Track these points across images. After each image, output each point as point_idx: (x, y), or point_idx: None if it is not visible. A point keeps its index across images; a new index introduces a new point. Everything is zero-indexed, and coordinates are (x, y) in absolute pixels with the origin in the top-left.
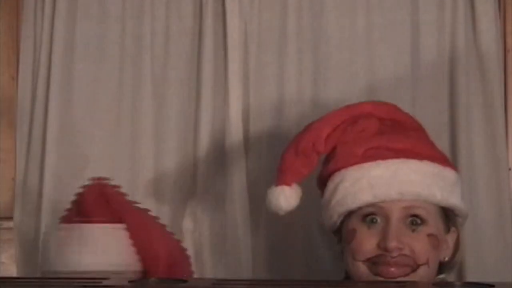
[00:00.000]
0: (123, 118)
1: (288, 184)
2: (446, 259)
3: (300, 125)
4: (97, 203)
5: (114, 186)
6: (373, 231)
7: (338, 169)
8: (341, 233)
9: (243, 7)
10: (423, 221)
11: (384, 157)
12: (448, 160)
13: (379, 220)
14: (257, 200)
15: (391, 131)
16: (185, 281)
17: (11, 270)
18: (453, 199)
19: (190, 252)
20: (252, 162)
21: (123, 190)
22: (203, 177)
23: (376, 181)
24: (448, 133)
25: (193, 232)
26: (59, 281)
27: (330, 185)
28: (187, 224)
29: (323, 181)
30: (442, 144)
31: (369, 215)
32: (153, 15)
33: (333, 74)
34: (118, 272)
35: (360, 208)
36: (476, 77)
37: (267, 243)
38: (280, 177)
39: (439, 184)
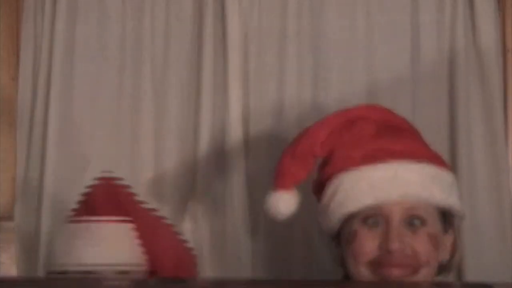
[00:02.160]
0: (123, 118)
1: (287, 188)
2: (444, 261)
3: (300, 125)
4: (106, 201)
5: (123, 185)
6: (374, 233)
7: (337, 173)
8: (340, 236)
9: (243, 7)
10: (423, 222)
11: (383, 159)
12: (444, 161)
13: (380, 221)
14: (257, 200)
15: (388, 133)
16: (185, 281)
17: (11, 270)
18: (451, 200)
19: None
20: (252, 162)
21: (131, 189)
22: (203, 177)
23: (377, 183)
24: (448, 133)
25: (193, 232)
26: (59, 281)
27: (329, 189)
28: (187, 224)
29: (320, 186)
30: (442, 144)
31: (370, 217)
32: (153, 15)
33: (333, 74)
34: (125, 271)
35: (360, 210)
36: (476, 77)
37: (267, 243)
38: (278, 182)
39: (437, 185)
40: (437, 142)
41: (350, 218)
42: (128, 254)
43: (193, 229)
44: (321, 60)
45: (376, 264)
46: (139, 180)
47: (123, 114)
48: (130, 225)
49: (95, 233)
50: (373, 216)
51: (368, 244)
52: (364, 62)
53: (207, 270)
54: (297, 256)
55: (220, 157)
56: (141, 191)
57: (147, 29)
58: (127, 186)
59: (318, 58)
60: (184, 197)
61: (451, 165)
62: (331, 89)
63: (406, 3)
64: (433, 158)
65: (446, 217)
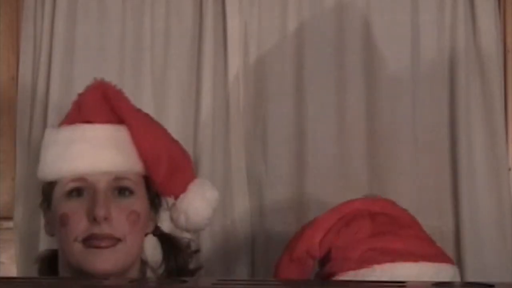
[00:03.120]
0: None
1: None
2: None
3: (300, 125)
4: (99, 105)
5: (116, 89)
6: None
7: (334, 275)
8: None
9: (243, 7)
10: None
11: (380, 261)
12: (444, 255)
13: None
14: (258, 200)
15: (385, 230)
16: (185, 281)
17: (11, 270)
18: None
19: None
20: (252, 162)
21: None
22: (203, 177)
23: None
24: (448, 133)
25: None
26: (59, 282)
27: None
28: None
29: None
30: (442, 144)
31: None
32: (153, 15)
33: (333, 74)
34: (122, 177)
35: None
36: (476, 77)
37: (267, 243)
38: None
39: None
40: (437, 142)
41: None
42: (124, 159)
43: None
44: (321, 60)
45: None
46: None
47: None
48: (123, 127)
49: (88, 135)
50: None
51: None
52: (364, 61)
53: (207, 270)
54: None
55: (220, 156)
56: None
57: (147, 29)
58: (120, 91)
59: (318, 58)
60: None
61: (452, 165)
62: (331, 89)
63: (406, 3)
64: (432, 256)
65: None
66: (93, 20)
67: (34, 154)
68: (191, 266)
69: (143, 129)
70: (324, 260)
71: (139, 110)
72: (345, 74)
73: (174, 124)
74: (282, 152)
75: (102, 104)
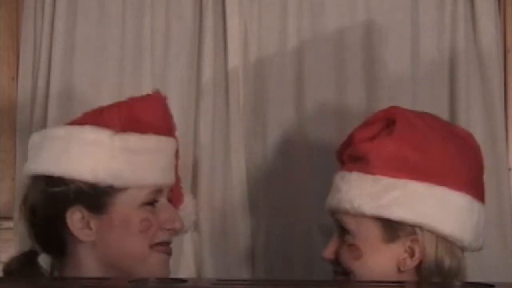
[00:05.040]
0: None
1: None
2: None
3: (300, 125)
4: (164, 116)
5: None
6: None
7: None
8: None
9: (243, 7)
10: None
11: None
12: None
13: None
14: (257, 200)
15: None
16: (185, 281)
17: None
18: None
19: (190, 251)
20: (252, 162)
21: None
22: (203, 177)
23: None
24: None
25: (193, 232)
26: (59, 282)
27: None
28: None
29: None
30: None
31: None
32: (153, 15)
33: (333, 74)
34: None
35: None
36: (476, 77)
37: (267, 243)
38: None
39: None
40: None
41: None
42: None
43: (193, 229)
44: (321, 60)
45: None
46: None
47: None
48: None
49: (166, 150)
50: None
51: None
52: (364, 62)
53: (207, 270)
54: (297, 255)
55: (221, 156)
56: None
57: (147, 29)
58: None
59: (318, 58)
60: None
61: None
62: (331, 89)
63: (406, 3)
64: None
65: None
66: (93, 20)
67: None
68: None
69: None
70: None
71: None
72: (345, 74)
73: None
74: (282, 152)
75: (165, 117)
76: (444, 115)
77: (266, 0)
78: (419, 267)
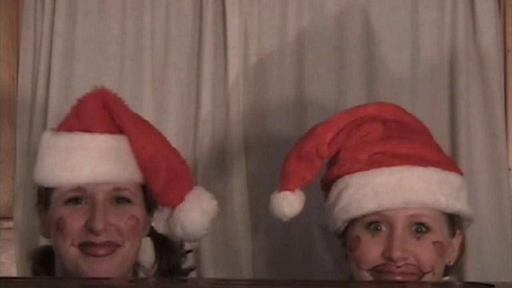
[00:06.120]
0: None
1: (291, 190)
2: (452, 263)
3: (300, 124)
4: (99, 112)
5: (116, 96)
6: (377, 239)
7: (342, 175)
8: (346, 237)
9: (243, 7)
10: (428, 229)
11: (389, 164)
12: (453, 164)
13: (383, 227)
14: (257, 200)
15: (396, 135)
16: (185, 281)
17: (11, 270)
18: (459, 205)
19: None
20: (252, 162)
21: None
22: (203, 177)
23: (381, 189)
24: (448, 133)
25: None
26: (58, 282)
27: (334, 191)
28: None
29: (326, 185)
30: (442, 144)
31: (373, 223)
32: (153, 15)
33: (333, 74)
34: (121, 188)
35: (364, 215)
36: (476, 77)
37: (267, 243)
38: (283, 183)
39: (444, 190)
40: (437, 142)
41: (354, 222)
42: (123, 169)
43: None
44: (320, 60)
45: (378, 271)
46: None
47: None
48: (123, 136)
49: (88, 145)
50: (376, 222)
51: (371, 250)
52: (364, 61)
53: (207, 270)
54: (297, 255)
55: (220, 156)
56: None
57: (147, 29)
58: (120, 99)
59: (318, 58)
60: None
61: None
62: (331, 88)
63: (406, 3)
64: (441, 162)
65: (454, 219)
66: (93, 20)
67: (34, 155)
68: (184, 266)
69: (143, 139)
70: (332, 161)
71: (138, 119)
72: (345, 74)
73: (174, 124)
74: (282, 152)
75: (102, 112)
76: (444, 115)
77: (266, 0)
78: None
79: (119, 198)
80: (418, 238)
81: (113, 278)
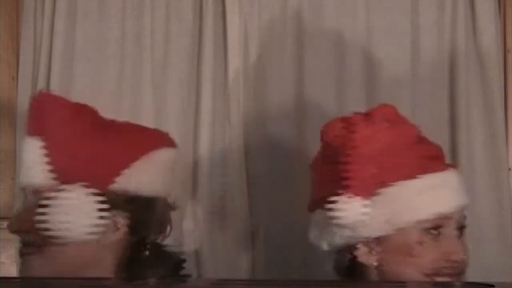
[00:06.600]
0: (123, 117)
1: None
2: None
3: (300, 125)
4: (35, 114)
5: (61, 99)
6: (437, 243)
7: (390, 182)
8: (387, 246)
9: (243, 7)
10: (463, 229)
11: (441, 169)
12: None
13: (441, 231)
14: (257, 200)
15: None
16: (185, 281)
17: (11, 270)
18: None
19: (190, 252)
20: (252, 162)
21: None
22: (203, 177)
23: (438, 193)
24: (448, 133)
25: (193, 232)
26: (58, 281)
27: (382, 198)
28: (187, 224)
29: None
30: (442, 144)
31: (435, 227)
32: (153, 15)
33: (333, 74)
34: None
35: (422, 220)
36: (476, 77)
37: (267, 243)
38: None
39: (464, 189)
40: (437, 142)
41: (405, 228)
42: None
43: (193, 229)
44: (321, 60)
45: (435, 273)
46: None
47: (123, 114)
48: (38, 142)
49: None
50: (438, 226)
51: (433, 254)
52: (364, 62)
53: (207, 269)
54: (297, 256)
55: (220, 156)
56: None
57: (147, 29)
58: (66, 101)
59: (318, 58)
60: (184, 197)
61: (452, 165)
62: (331, 88)
63: (406, 3)
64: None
65: None
66: (93, 20)
67: None
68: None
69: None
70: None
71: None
72: (345, 74)
73: (174, 124)
74: (282, 153)
75: (32, 117)
76: (444, 115)
77: (266, 0)
78: None
79: None
80: (460, 239)
81: (113, 278)
